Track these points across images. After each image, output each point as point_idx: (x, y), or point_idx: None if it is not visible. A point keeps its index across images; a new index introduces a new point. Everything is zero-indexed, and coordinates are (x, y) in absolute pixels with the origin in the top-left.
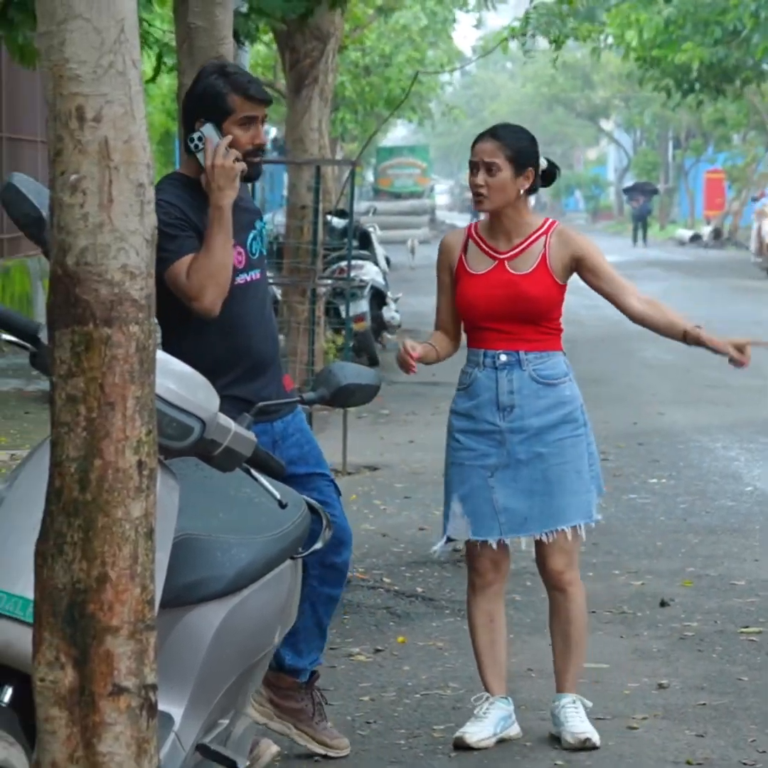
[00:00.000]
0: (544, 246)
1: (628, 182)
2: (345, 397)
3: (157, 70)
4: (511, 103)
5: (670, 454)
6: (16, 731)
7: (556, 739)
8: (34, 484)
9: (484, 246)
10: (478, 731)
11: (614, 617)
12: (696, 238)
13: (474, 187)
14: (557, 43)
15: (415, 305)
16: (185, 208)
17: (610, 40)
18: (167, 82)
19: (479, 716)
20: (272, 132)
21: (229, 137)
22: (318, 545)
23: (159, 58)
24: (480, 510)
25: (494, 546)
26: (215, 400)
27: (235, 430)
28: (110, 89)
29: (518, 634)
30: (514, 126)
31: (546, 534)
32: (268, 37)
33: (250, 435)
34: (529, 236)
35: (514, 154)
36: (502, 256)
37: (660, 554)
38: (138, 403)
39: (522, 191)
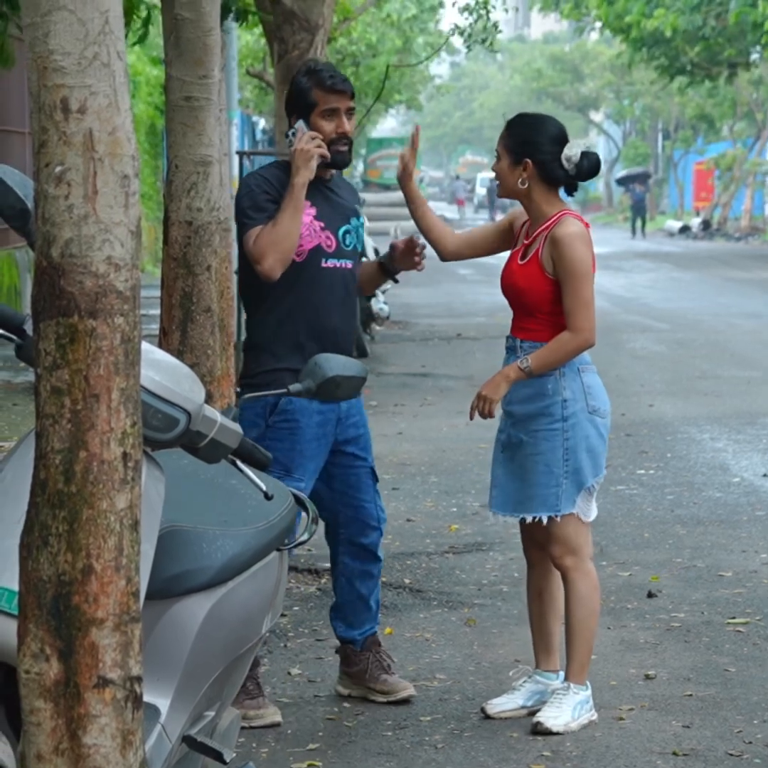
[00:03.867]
0: (542, 241)
1: (620, 173)
2: (331, 389)
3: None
4: (500, 95)
5: (659, 445)
6: (2, 724)
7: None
8: (19, 475)
9: (524, 230)
10: (502, 703)
11: (602, 609)
12: (685, 229)
13: None
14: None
15: (404, 297)
16: (280, 187)
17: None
18: (155, 73)
19: (514, 688)
20: (261, 122)
21: (315, 133)
22: (304, 537)
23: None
24: (491, 482)
25: (491, 517)
26: (201, 392)
27: (221, 422)
28: (95, 81)
29: (506, 626)
30: (531, 116)
31: (525, 517)
32: (257, 28)
33: (236, 427)
34: (540, 228)
35: (512, 144)
36: (523, 243)
37: (647, 545)
38: (123, 394)
39: (520, 182)
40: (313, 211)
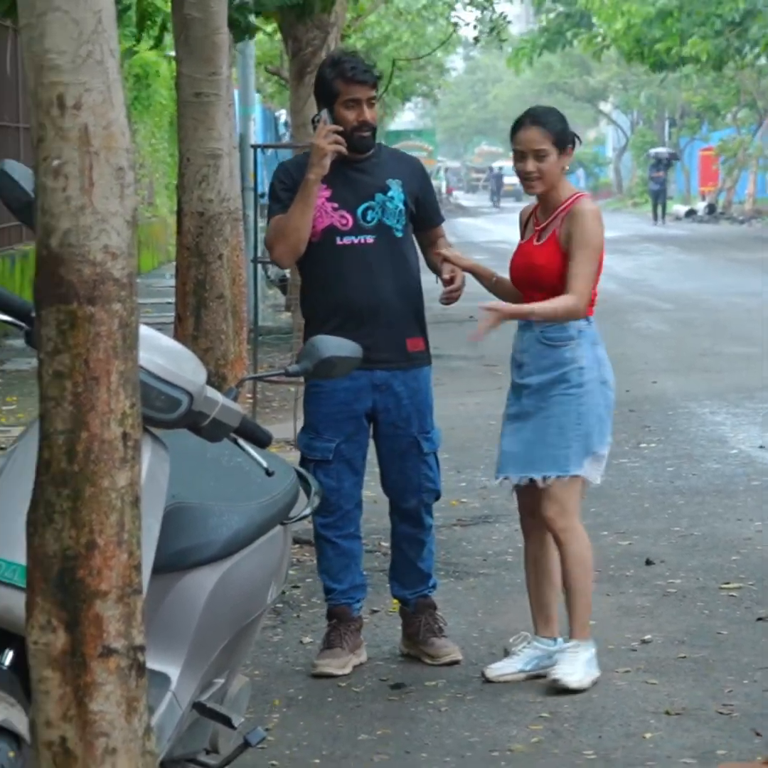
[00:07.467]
0: (560, 220)
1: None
2: (327, 369)
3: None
4: (513, 88)
5: (660, 420)
6: (17, 693)
7: (542, 692)
8: (29, 456)
9: (534, 217)
10: (501, 667)
11: (601, 576)
12: (691, 213)
13: (525, 174)
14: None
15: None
16: (298, 176)
17: (606, 40)
18: (173, 65)
19: (513, 653)
20: (282, 116)
21: (335, 127)
22: (307, 511)
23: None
24: (498, 454)
25: (497, 484)
26: (202, 374)
27: (223, 402)
28: (89, 78)
29: (509, 594)
30: (548, 109)
31: (529, 479)
32: (272, 25)
33: (237, 406)
34: (556, 209)
35: (557, 137)
36: (537, 228)
37: (647, 515)
38: (122, 377)
39: (564, 169)
40: (327, 193)
